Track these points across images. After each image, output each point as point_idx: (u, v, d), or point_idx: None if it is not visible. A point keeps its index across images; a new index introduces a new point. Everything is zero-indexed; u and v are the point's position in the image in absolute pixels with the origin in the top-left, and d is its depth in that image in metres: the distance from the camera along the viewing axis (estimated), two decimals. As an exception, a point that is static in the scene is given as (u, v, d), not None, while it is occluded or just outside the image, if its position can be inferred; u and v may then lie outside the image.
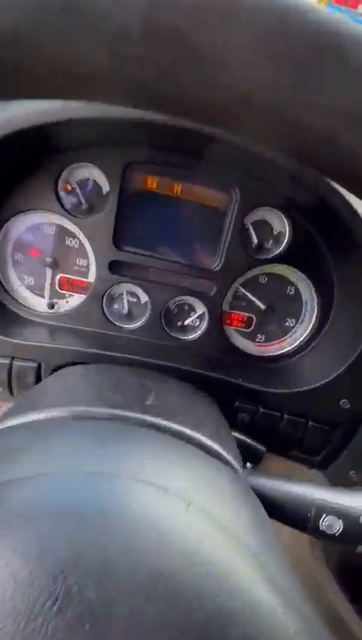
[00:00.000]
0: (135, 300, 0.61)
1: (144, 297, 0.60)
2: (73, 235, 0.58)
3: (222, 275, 0.56)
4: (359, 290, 0.53)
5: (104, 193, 0.55)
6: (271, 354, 0.62)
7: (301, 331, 0.61)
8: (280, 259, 0.56)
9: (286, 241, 0.56)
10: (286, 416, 0.56)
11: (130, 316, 0.62)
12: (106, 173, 0.53)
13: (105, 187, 0.54)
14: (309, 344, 0.60)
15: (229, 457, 0.32)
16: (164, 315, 0.61)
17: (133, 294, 0.61)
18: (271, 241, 0.57)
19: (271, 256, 0.56)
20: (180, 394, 0.44)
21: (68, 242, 0.58)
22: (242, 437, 0.49)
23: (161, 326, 0.60)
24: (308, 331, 0.60)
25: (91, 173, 0.54)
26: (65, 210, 0.55)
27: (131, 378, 0.44)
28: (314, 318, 0.60)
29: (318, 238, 0.55)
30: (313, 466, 0.61)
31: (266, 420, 0.57)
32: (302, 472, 0.63)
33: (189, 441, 0.30)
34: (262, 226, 0.56)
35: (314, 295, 0.58)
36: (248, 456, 0.49)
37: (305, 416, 0.56)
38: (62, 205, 0.55)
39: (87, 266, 0.60)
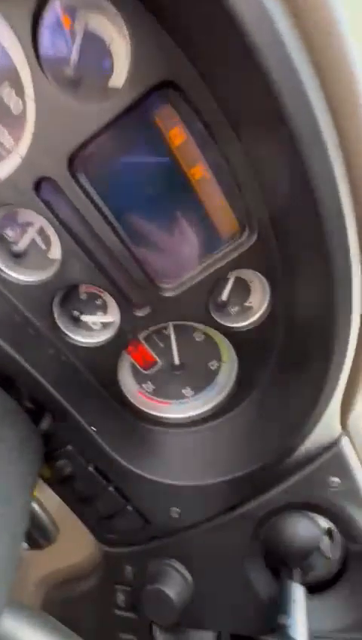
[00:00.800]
0: (43, 246, 0.40)
1: (56, 253, 0.40)
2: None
3: (167, 306, 0.41)
4: (273, 407, 0.46)
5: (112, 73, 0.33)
6: (143, 408, 0.50)
7: (189, 407, 0.51)
8: (230, 333, 0.45)
9: (251, 321, 0.44)
10: (110, 488, 0.45)
11: (17, 259, 0.40)
12: (135, 54, 0.31)
13: (121, 70, 0.32)
14: (186, 427, 0.50)
15: None
16: (66, 292, 0.42)
17: (44, 237, 0.40)
18: (236, 308, 0.45)
19: (229, 325, 0.44)
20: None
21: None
22: (42, 515, 0.35)
23: (51, 302, 0.41)
24: (196, 412, 0.51)
25: (107, 30, 0.32)
26: (39, 62, 0.31)
27: None
28: (211, 404, 0.50)
29: (278, 348, 0.45)
30: (97, 538, 0.52)
31: (87, 482, 0.45)
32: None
33: None
34: (240, 289, 0.44)
35: (231, 384, 0.49)
36: (39, 533, 0.35)
37: (128, 500, 0.46)
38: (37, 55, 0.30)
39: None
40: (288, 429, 0.41)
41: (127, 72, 0.32)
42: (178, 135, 0.36)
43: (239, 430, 0.48)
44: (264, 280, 0.42)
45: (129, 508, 0.46)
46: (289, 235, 0.36)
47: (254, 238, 0.39)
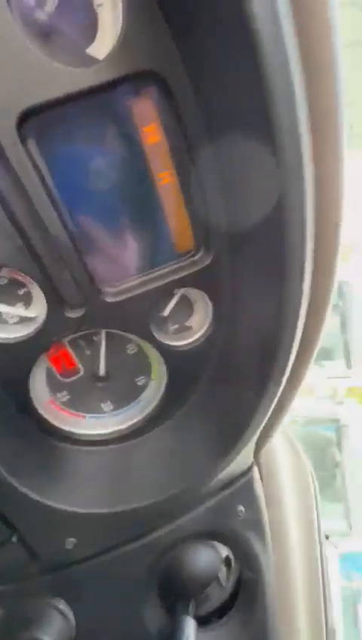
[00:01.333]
0: None
1: None
2: None
3: (104, 311, 0.37)
4: (197, 432, 0.44)
5: None
6: (52, 420, 0.44)
7: (105, 422, 0.47)
8: (165, 351, 0.42)
9: (188, 342, 0.43)
10: None
11: None
12: (125, 29, 0.27)
13: (105, 40, 0.28)
14: (98, 445, 0.46)
15: None
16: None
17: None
18: (176, 326, 0.43)
19: (166, 342, 0.41)
20: None
21: None
22: None
23: None
24: (112, 429, 0.46)
25: None
26: None
27: None
28: (130, 422, 0.47)
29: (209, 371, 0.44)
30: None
31: None
32: None
33: None
34: (182, 307, 0.42)
35: (155, 403, 0.46)
36: None
37: (13, 531, 0.39)
38: None
39: None
40: (211, 455, 0.40)
41: (112, 46, 0.28)
42: (153, 133, 0.33)
43: (156, 454, 0.45)
44: (209, 302, 0.41)
45: (13, 540, 0.39)
46: (245, 263, 0.36)
47: (209, 259, 0.38)
